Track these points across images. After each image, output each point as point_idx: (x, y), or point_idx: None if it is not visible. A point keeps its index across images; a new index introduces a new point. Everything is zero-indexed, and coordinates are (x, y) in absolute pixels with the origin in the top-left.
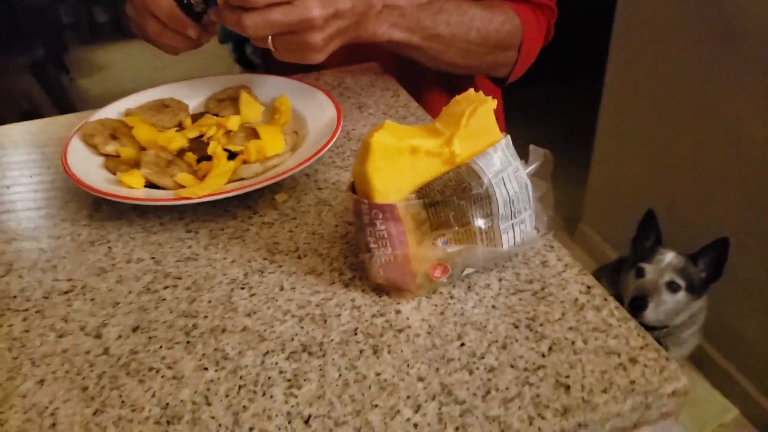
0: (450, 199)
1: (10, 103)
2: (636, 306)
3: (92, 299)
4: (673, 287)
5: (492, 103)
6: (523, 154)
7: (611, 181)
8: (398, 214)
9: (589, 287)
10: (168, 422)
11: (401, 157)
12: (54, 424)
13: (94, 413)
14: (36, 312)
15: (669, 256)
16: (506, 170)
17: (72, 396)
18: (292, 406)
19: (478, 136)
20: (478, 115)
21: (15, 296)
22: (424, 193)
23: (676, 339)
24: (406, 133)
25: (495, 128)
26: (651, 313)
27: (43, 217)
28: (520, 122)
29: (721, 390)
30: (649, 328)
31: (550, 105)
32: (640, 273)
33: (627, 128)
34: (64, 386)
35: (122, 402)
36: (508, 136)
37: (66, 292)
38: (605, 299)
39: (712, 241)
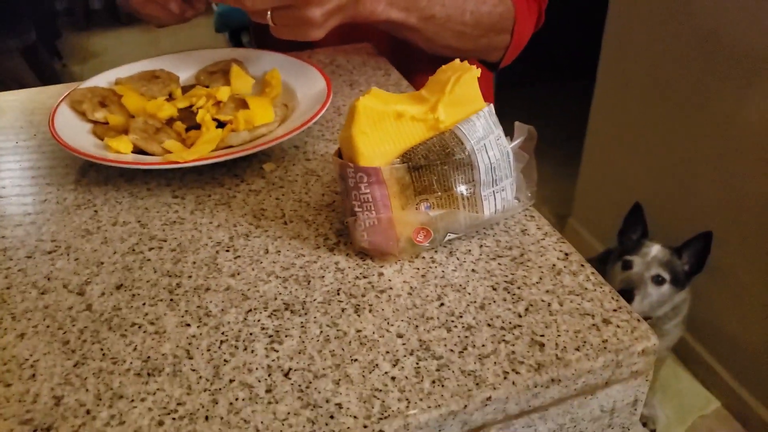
0: (433, 164)
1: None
2: (623, 298)
3: (76, 259)
4: (658, 280)
5: (476, 72)
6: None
7: (601, 178)
8: (382, 178)
9: (566, 254)
10: (149, 374)
11: (387, 122)
12: (33, 375)
13: (75, 365)
14: (18, 270)
15: (655, 249)
16: (488, 137)
17: (52, 349)
18: (273, 360)
19: (462, 103)
20: (462, 83)
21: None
22: (408, 157)
23: (659, 330)
24: (392, 99)
25: (478, 96)
26: (637, 305)
27: (29, 181)
28: (511, 120)
29: (703, 382)
30: None
31: (543, 105)
32: (627, 265)
33: (617, 126)
34: (45, 339)
35: (103, 355)
36: (491, 105)
37: (49, 252)
38: (582, 265)
39: (696, 235)
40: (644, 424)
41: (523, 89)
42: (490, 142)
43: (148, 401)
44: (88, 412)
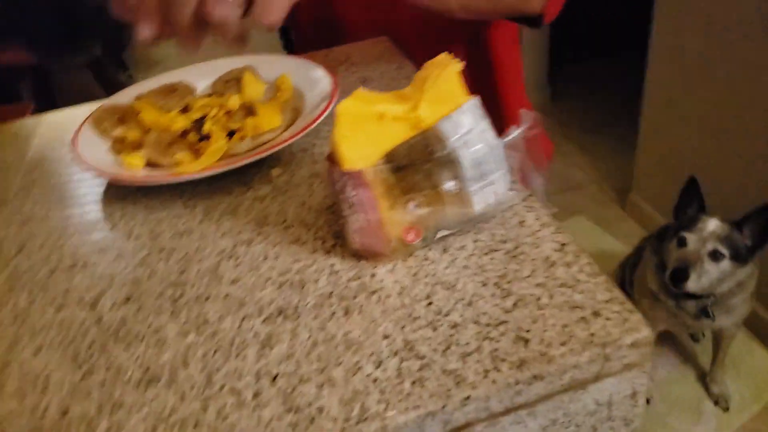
0: (416, 163)
1: (70, 101)
2: (678, 277)
3: (92, 274)
4: (716, 256)
5: (457, 66)
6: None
7: (660, 150)
8: (367, 180)
9: (563, 245)
10: (148, 383)
11: (368, 124)
12: (46, 388)
13: (82, 378)
14: (40, 288)
15: (712, 225)
16: (472, 132)
17: (64, 362)
18: (262, 366)
19: (445, 99)
20: (443, 79)
21: (23, 273)
22: (391, 158)
23: (724, 306)
24: (376, 100)
25: (461, 91)
26: (693, 283)
27: (57, 198)
28: (569, 96)
29: None
30: (696, 296)
31: (598, 79)
32: (682, 242)
33: (673, 97)
34: (58, 353)
35: (108, 366)
36: (477, 98)
37: (70, 267)
38: (577, 256)
39: (757, 207)
40: (716, 403)
41: (578, 65)
42: (475, 137)
43: (144, 410)
44: (89, 423)
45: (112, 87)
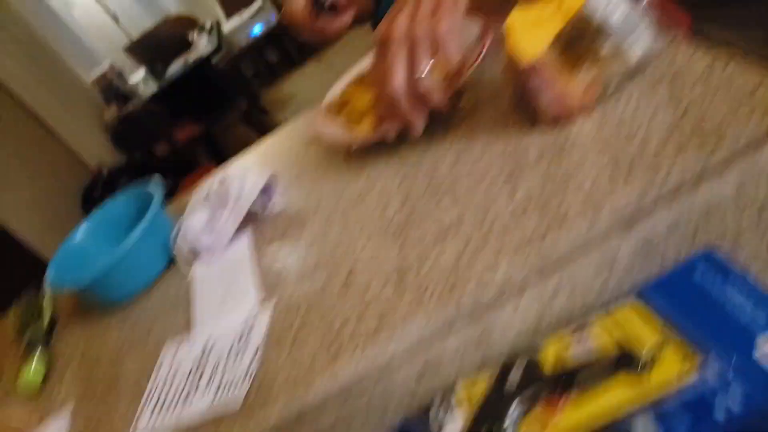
0: (576, 41)
1: (235, 153)
2: None
3: (372, 198)
4: None
5: None
6: None
7: None
8: (543, 65)
9: (713, 59)
10: (441, 239)
11: (531, 26)
12: (377, 257)
13: (400, 246)
14: (343, 215)
15: None
16: (610, 3)
17: (386, 243)
18: (515, 206)
19: None
20: None
21: (316, 211)
22: (556, 43)
23: None
24: (531, 8)
25: None
26: None
27: (321, 166)
28: None
29: None
30: None
31: None
32: None
33: None
34: (380, 240)
35: (412, 239)
36: None
37: (357, 201)
38: (729, 59)
39: None
40: None
41: None
42: (613, 7)
43: (444, 255)
44: (413, 268)
45: (263, 130)
